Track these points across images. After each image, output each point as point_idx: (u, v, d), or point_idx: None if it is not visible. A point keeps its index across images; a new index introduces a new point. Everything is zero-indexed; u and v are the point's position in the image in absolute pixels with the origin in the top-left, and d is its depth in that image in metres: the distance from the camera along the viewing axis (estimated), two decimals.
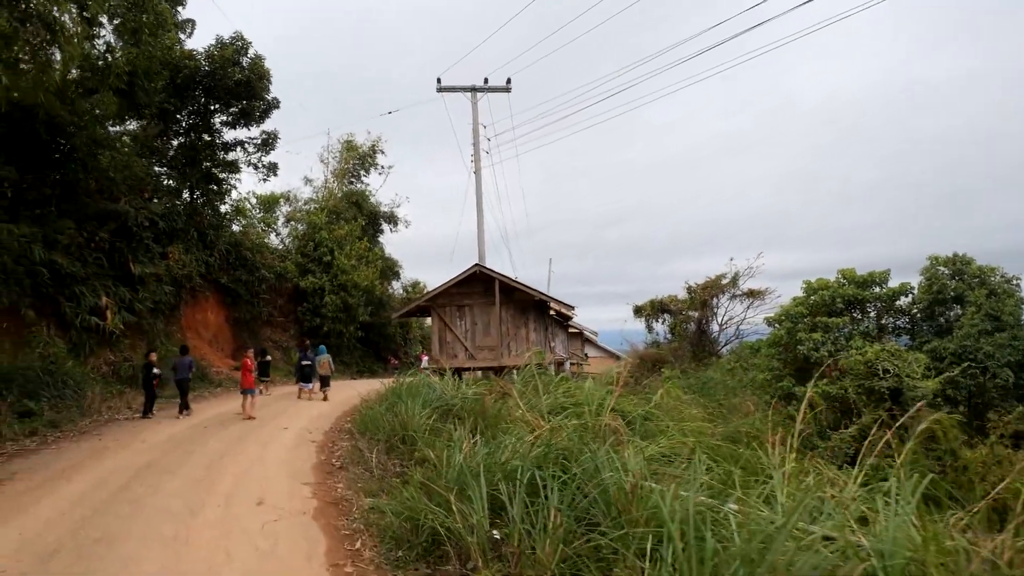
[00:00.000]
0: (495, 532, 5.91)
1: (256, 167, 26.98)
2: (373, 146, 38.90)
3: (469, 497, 6.24)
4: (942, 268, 33.65)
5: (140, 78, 18.73)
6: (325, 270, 33.64)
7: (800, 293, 37.37)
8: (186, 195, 25.66)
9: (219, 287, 27.94)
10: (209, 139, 25.39)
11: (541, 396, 11.42)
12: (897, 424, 7.16)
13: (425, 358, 43.26)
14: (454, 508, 6.02)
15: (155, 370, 15.31)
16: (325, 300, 32.90)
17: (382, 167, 39.61)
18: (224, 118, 24.87)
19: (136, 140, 23.11)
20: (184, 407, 15.27)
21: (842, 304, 33.53)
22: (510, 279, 19.82)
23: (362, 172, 39.30)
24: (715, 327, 48.40)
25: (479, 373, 24.39)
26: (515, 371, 20.07)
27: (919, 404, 10.59)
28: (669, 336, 48.89)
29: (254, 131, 26.07)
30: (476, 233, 26.77)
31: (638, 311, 49.07)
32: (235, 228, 30.41)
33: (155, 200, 23.25)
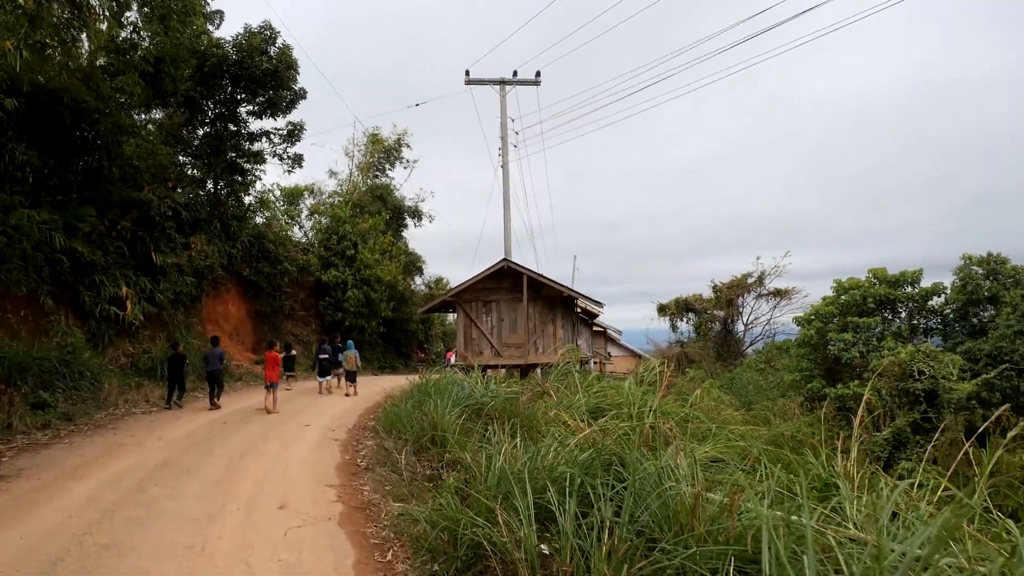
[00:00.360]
0: (544, 547, 5.29)
1: (281, 158, 26.59)
2: (399, 139, 38.46)
3: (513, 506, 5.61)
4: (976, 268, 32.59)
5: (167, 65, 18.36)
6: (348, 264, 33.21)
7: (830, 293, 36.66)
8: (210, 185, 25.28)
9: (241, 279, 27.57)
10: (235, 129, 24.98)
11: (579, 396, 10.85)
12: (941, 428, 6.52)
13: (452, 355, 43.07)
14: (499, 519, 5.39)
15: (187, 361, 15.35)
16: (347, 294, 32.46)
17: (407, 161, 39.23)
18: (250, 108, 24.47)
19: (161, 129, 22.76)
20: (215, 398, 15.15)
21: (873, 304, 32.58)
22: (539, 275, 19.22)
23: (387, 165, 38.87)
24: (740, 327, 47.74)
25: (503, 371, 23.89)
26: (539, 369, 19.49)
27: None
28: (694, 335, 48.18)
29: (280, 122, 25.67)
30: (502, 229, 26.17)
31: (662, 310, 48.34)
32: (258, 220, 30.04)
33: (179, 190, 22.86)
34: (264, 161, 25.99)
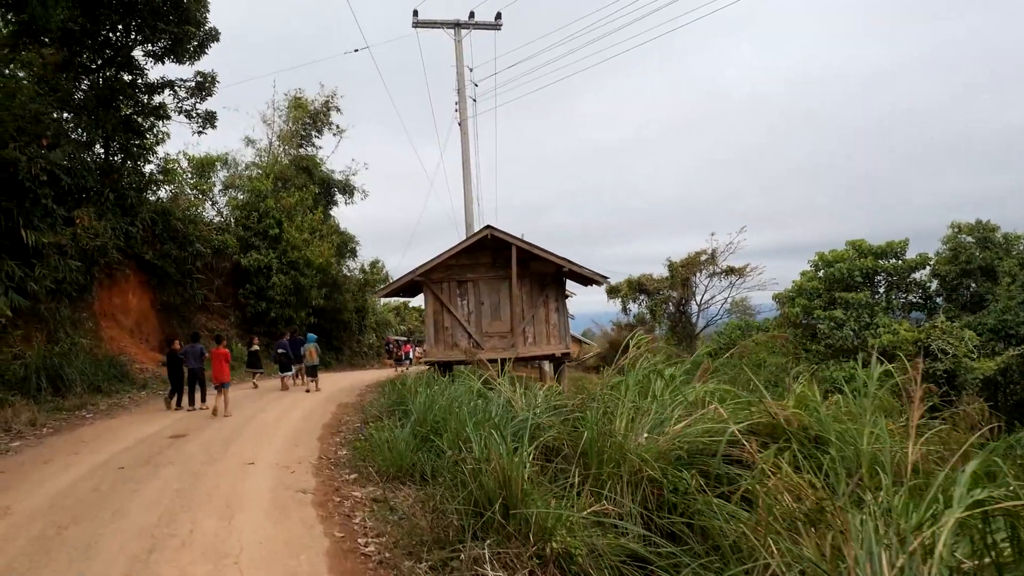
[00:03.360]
0: None
1: (189, 115, 21.82)
2: (327, 102, 33.52)
3: None
4: (966, 236, 30.73)
5: None
6: (272, 245, 28.53)
7: (807, 267, 34.24)
8: (100, 148, 20.34)
9: (143, 264, 22.75)
10: (130, 78, 20.15)
11: (667, 409, 7.36)
12: None
13: (410, 348, 38.67)
14: None
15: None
16: (272, 280, 27.85)
17: (336, 127, 34.39)
18: (148, 48, 19.67)
19: (31, 69, 17.75)
20: (193, 399, 14.25)
21: (860, 277, 30.27)
22: (530, 244, 15.44)
23: (314, 133, 33.97)
24: (694, 307, 45.22)
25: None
26: (548, 364, 15.84)
27: None
28: (648, 317, 45.46)
29: (186, 70, 20.98)
30: (460, 205, 22.31)
31: (613, 291, 45.28)
32: (163, 194, 25.10)
33: (57, 150, 17.96)
34: (167, 117, 21.24)
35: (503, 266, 16.18)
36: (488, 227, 15.34)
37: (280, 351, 19.21)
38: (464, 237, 22.75)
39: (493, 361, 17.59)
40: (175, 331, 24.05)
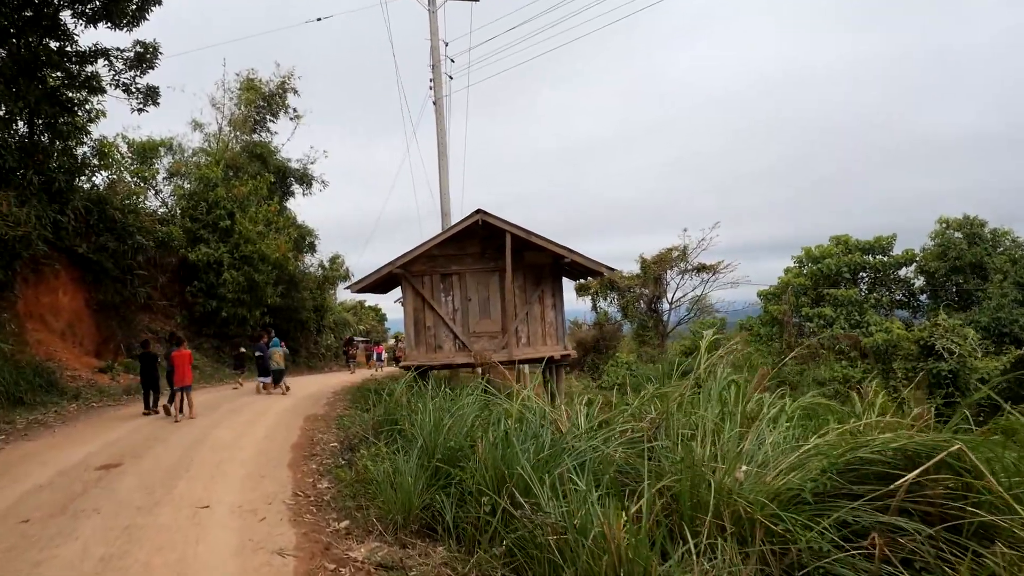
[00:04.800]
0: None
1: (128, 89, 19.30)
2: (283, 83, 30.88)
3: None
4: (955, 232, 29.73)
5: None
6: (223, 238, 26.00)
7: (791, 264, 32.96)
8: (22, 125, 17.77)
9: (76, 258, 20.20)
10: (57, 45, 17.62)
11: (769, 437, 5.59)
12: None
13: (381, 349, 36.28)
14: None
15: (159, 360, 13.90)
16: (223, 277, 25.34)
17: (293, 111, 31.79)
18: (79, 8, 17.18)
19: None
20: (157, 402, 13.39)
21: (848, 273, 29.07)
22: (527, 231, 13.50)
23: (268, 117, 31.35)
24: (666, 305, 43.81)
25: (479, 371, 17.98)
26: (526, 367, 13.92)
27: None
28: (620, 316, 44.02)
29: (124, 38, 18.53)
30: (426, 198, 20.29)
31: (582, 289, 43.63)
32: (98, 181, 22.49)
33: None
34: (102, 91, 18.69)
35: (493, 257, 14.24)
36: (479, 211, 13.38)
37: (258, 354, 18.59)
38: (441, 228, 20.76)
39: (484, 366, 15.77)
40: (114, 332, 21.61)
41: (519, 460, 5.22)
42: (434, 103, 20.21)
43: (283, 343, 19.04)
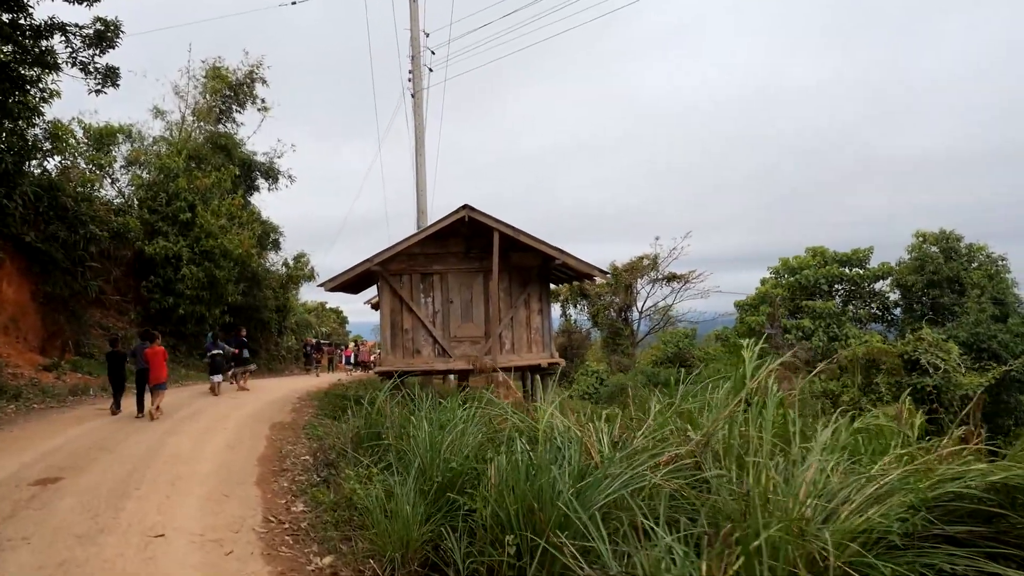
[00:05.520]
0: None
1: (85, 68, 17.98)
2: (251, 72, 29.48)
3: None
4: (931, 246, 29.62)
5: None
6: (182, 232, 24.61)
7: (768, 274, 32.58)
8: None
9: (22, 248, 18.81)
10: (9, 17, 16.30)
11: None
12: None
13: (350, 353, 34.91)
14: None
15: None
16: (182, 272, 23.97)
17: (261, 102, 30.38)
18: None
19: None
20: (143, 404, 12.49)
21: (826, 285, 28.75)
22: (516, 229, 12.58)
23: (235, 107, 29.93)
24: (635, 314, 43.29)
25: (451, 379, 16.97)
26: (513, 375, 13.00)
27: None
28: (590, 324, 43.48)
29: (83, 12, 17.18)
30: (415, 196, 19.35)
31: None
32: (50, 166, 21.07)
33: None
34: (57, 68, 17.38)
35: (478, 257, 13.32)
36: (465, 207, 12.44)
37: (215, 352, 17.74)
38: (417, 227, 19.78)
39: (465, 372, 14.83)
40: (62, 327, 20.18)
41: (557, 491, 4.32)
42: (412, 95, 19.23)
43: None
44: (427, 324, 13.29)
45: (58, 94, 18.73)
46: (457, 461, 5.85)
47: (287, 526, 5.95)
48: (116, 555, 5.04)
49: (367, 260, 12.69)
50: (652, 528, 3.65)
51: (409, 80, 19.31)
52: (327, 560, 5.15)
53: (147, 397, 12.51)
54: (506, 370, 13.86)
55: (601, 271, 14.00)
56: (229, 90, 29.38)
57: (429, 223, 17.33)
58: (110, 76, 18.55)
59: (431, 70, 19.85)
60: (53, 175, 20.75)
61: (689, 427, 5.64)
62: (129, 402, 12.83)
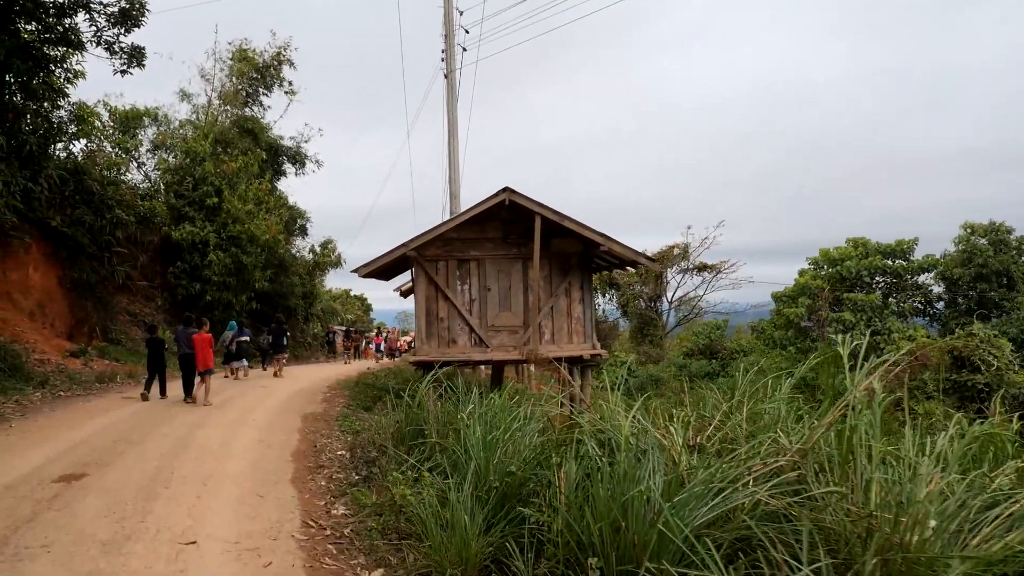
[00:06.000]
0: None
1: (111, 48, 17.58)
2: (278, 54, 28.99)
3: None
4: (980, 238, 28.54)
5: None
6: (209, 217, 24.26)
7: (806, 265, 31.59)
8: None
9: (48, 232, 18.55)
10: None
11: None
12: None
13: (380, 340, 34.64)
14: None
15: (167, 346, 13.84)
16: (209, 258, 23.63)
17: (288, 84, 29.88)
18: None
19: None
20: (189, 390, 12.74)
21: (868, 277, 27.81)
22: (560, 213, 11.96)
23: (261, 91, 29.46)
24: (665, 304, 42.53)
25: (485, 371, 16.45)
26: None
27: None
28: (620, 313, 42.77)
29: None
30: (447, 180, 18.80)
31: None
32: (76, 149, 20.76)
33: None
34: (81, 47, 16.97)
35: (517, 243, 12.71)
36: (506, 189, 11.82)
37: (242, 339, 18.88)
38: (450, 212, 19.22)
39: (504, 363, 14.30)
40: (89, 313, 19.91)
41: (656, 508, 3.72)
42: (445, 76, 18.61)
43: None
44: (463, 312, 12.73)
45: (83, 75, 18.35)
46: (515, 464, 5.28)
47: (328, 532, 5.42)
48: (144, 567, 4.54)
49: (403, 245, 12.13)
50: (786, 560, 3.05)
51: (442, 60, 18.71)
52: (377, 574, 4.62)
53: (201, 384, 12.63)
54: (550, 361, 13.27)
55: (649, 258, 13.32)
56: (256, 72, 28.94)
57: (461, 209, 16.76)
58: (135, 56, 18.13)
59: (464, 49, 19.22)
60: (79, 158, 20.47)
61: (781, 434, 5.01)
62: (175, 387, 13.18)
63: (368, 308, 69.19)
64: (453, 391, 8.04)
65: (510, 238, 12.87)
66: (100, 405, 11.85)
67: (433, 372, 8.82)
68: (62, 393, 13.05)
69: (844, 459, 4.17)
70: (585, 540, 4.00)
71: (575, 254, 13.06)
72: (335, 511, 6.00)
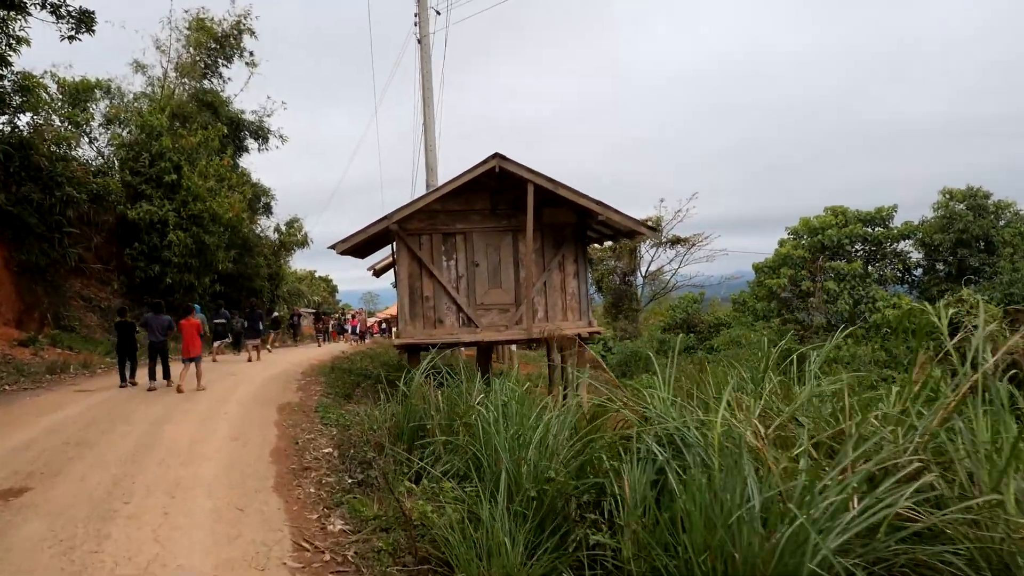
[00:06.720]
0: None
1: (56, 11, 16.21)
2: (238, 23, 27.38)
3: None
4: (959, 204, 28.25)
5: None
6: (168, 195, 22.82)
7: (785, 235, 31.04)
8: None
9: None
10: None
11: None
12: None
13: (356, 322, 33.42)
14: None
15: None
16: (168, 238, 22.25)
17: (249, 55, 28.32)
18: None
19: None
20: (154, 374, 12.29)
21: (850, 246, 27.40)
22: (554, 180, 11.02)
23: (221, 61, 27.86)
24: (639, 278, 41.97)
25: (462, 350, 15.49)
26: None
27: None
28: (594, 289, 42.08)
29: None
30: (423, 151, 17.73)
31: None
32: (21, 123, 19.22)
33: None
34: (23, 9, 15.59)
35: (507, 214, 11.78)
36: (496, 155, 10.84)
37: (217, 321, 19.99)
38: (426, 187, 18.15)
39: (493, 344, 13.39)
40: (39, 299, 18.54)
41: (801, 540, 2.84)
42: (419, 40, 17.47)
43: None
44: (450, 290, 11.78)
45: (27, 41, 16.96)
46: (554, 468, 4.39)
47: (328, 557, 4.48)
48: None
49: (384, 218, 11.11)
50: None
51: (415, 24, 17.55)
52: None
53: (159, 369, 12.37)
54: (538, 342, 12.42)
55: (649, 227, 12.52)
56: (215, 43, 27.28)
57: (439, 183, 15.73)
58: (84, 21, 16.81)
59: (438, 13, 18.08)
60: (24, 133, 18.94)
61: (878, 424, 4.19)
62: (142, 375, 12.53)
63: (334, 290, 67.79)
64: (452, 377, 7.14)
65: (499, 209, 11.93)
66: (50, 400, 10.69)
67: (430, 359, 7.88)
68: (7, 387, 11.85)
69: (989, 459, 3.34)
70: (675, 573, 3.12)
71: (568, 225, 12.18)
72: (332, 526, 5.06)
